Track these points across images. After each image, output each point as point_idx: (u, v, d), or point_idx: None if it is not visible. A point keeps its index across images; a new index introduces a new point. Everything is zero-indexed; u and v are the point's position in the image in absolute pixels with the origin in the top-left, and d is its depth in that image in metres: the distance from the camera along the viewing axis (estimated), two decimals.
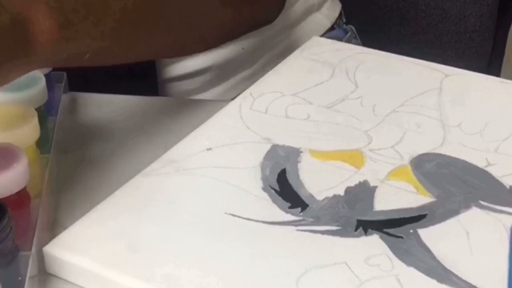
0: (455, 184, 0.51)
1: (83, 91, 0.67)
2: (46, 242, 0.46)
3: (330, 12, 0.81)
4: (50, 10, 0.46)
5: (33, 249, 0.45)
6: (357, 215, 0.48)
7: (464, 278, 0.43)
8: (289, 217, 0.48)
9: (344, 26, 0.83)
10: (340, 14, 0.83)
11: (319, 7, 0.80)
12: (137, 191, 0.50)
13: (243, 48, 0.55)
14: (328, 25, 0.80)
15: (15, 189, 0.46)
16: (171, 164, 0.52)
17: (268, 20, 0.68)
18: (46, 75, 0.58)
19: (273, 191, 0.50)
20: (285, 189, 0.50)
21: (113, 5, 0.50)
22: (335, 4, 0.83)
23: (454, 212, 0.48)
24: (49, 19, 0.46)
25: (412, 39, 0.92)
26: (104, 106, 0.64)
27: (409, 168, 0.52)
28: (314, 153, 0.54)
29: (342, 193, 0.50)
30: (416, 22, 0.91)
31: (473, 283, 0.43)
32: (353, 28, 0.83)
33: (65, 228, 0.47)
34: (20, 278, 0.43)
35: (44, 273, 0.46)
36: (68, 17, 0.47)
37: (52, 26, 0.46)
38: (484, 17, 0.89)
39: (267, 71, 0.64)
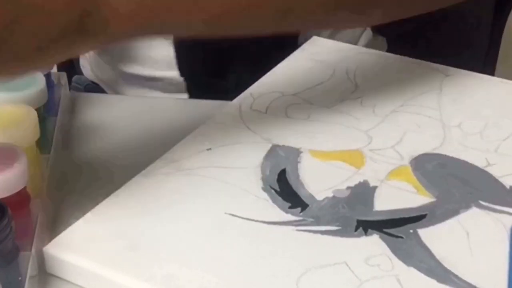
0: (455, 184, 0.51)
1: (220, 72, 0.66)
2: (46, 242, 0.46)
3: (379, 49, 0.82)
4: None
5: (33, 249, 0.45)
6: (357, 215, 0.48)
7: (464, 278, 0.43)
8: (289, 217, 0.48)
9: None
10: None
11: (373, 43, 0.80)
12: (137, 191, 0.50)
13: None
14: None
15: (15, 189, 0.46)
16: (171, 164, 0.52)
17: None
18: (46, 75, 0.58)
19: (273, 191, 0.50)
20: (285, 189, 0.50)
21: None
22: (383, 43, 0.83)
23: (454, 212, 0.48)
24: None
25: (410, 37, 0.92)
26: (104, 106, 0.64)
27: (409, 168, 0.52)
28: (314, 153, 0.54)
29: (342, 193, 0.50)
30: (413, 21, 0.91)
31: (473, 283, 0.43)
32: None
33: (65, 228, 0.47)
34: (20, 278, 0.43)
35: (44, 273, 0.46)
36: None
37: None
38: (481, 16, 0.89)
39: None
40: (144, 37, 0.47)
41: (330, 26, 0.61)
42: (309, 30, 0.68)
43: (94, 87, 0.81)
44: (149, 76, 0.75)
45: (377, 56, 0.66)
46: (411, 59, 0.66)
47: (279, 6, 0.48)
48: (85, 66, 0.83)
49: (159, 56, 0.73)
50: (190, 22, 0.46)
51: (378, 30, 0.84)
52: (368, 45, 0.79)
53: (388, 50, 0.67)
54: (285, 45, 0.68)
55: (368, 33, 0.79)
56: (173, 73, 0.74)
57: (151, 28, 0.45)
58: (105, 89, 0.81)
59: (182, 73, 0.73)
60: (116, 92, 0.79)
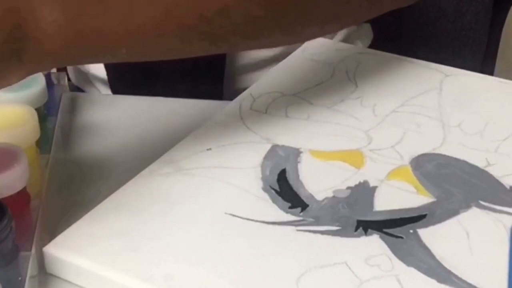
0: (455, 184, 0.51)
1: (146, 87, 0.66)
2: (46, 242, 0.46)
3: (364, 39, 0.82)
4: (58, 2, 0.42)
5: (33, 249, 0.45)
6: (357, 215, 0.48)
7: (464, 278, 0.43)
8: (289, 217, 0.48)
9: None
10: (372, 42, 0.83)
11: (356, 34, 0.80)
12: (137, 191, 0.50)
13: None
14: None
15: (15, 189, 0.46)
16: (171, 164, 0.52)
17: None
18: (46, 75, 0.58)
19: (273, 191, 0.50)
20: (285, 189, 0.50)
21: None
22: (369, 33, 0.83)
23: (454, 212, 0.48)
24: (57, 11, 0.42)
25: (409, 36, 0.92)
26: (104, 106, 0.64)
27: (409, 168, 0.52)
28: (314, 153, 0.54)
29: (342, 193, 0.50)
30: (412, 20, 0.91)
31: (473, 283, 0.43)
32: None
33: (65, 228, 0.47)
34: (20, 278, 0.43)
35: (44, 273, 0.46)
36: (82, 5, 0.43)
37: (62, 15, 0.42)
38: (479, 15, 0.89)
39: None
40: (79, 62, 0.47)
41: (259, 46, 0.59)
42: (235, 51, 0.67)
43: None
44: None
45: (377, 56, 0.66)
46: (411, 59, 0.65)
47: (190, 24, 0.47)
48: (70, 71, 0.83)
49: None
50: (114, 44, 0.45)
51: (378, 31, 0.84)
52: (351, 35, 0.79)
53: (388, 51, 0.67)
54: (211, 66, 0.69)
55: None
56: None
57: (81, 53, 0.45)
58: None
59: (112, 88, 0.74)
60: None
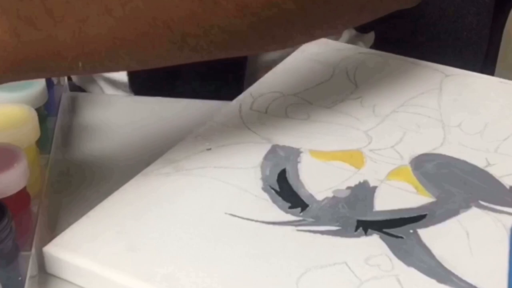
0: (455, 184, 0.51)
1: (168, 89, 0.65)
2: (46, 242, 0.46)
3: (366, 40, 0.82)
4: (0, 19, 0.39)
5: (33, 249, 0.45)
6: (357, 215, 0.48)
7: (464, 278, 0.43)
8: (289, 217, 0.48)
9: None
10: (372, 45, 0.83)
11: (360, 36, 0.80)
12: (137, 191, 0.50)
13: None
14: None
15: (15, 189, 0.46)
16: (171, 164, 0.52)
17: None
18: None
19: (273, 191, 0.50)
20: (285, 189, 0.50)
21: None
22: (371, 34, 0.83)
23: (454, 212, 0.48)
24: (4, 32, 0.40)
25: (410, 37, 0.92)
26: (104, 106, 0.64)
27: (409, 168, 0.52)
28: (314, 153, 0.54)
29: (342, 193, 0.50)
30: (413, 20, 0.91)
31: (473, 283, 0.43)
32: None
33: (65, 228, 0.47)
34: (20, 278, 0.43)
35: (44, 273, 0.46)
36: (30, 20, 0.40)
37: (7, 36, 0.40)
38: (481, 15, 0.89)
39: None
40: (32, 78, 0.44)
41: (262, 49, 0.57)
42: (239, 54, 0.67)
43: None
44: (117, 80, 0.75)
45: (377, 56, 0.66)
46: (411, 59, 0.65)
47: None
48: None
49: None
50: (68, 59, 0.43)
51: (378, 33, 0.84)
52: (354, 38, 0.79)
53: (387, 51, 0.67)
54: (232, 67, 0.69)
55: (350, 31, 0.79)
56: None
57: (31, 70, 0.43)
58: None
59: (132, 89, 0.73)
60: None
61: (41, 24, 0.41)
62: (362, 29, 0.80)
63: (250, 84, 0.70)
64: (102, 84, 0.77)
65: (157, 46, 0.44)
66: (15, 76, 0.43)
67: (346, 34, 0.78)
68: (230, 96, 0.62)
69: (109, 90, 0.76)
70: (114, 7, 0.42)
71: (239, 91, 0.64)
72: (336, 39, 0.76)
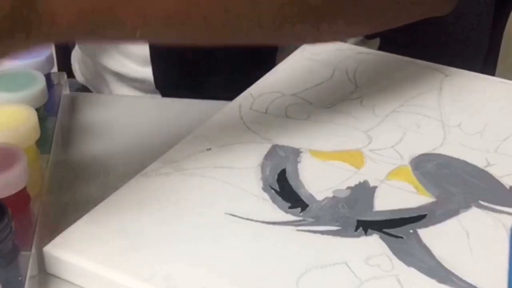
0: (455, 184, 0.51)
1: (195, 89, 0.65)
2: (46, 242, 0.46)
3: (372, 44, 0.82)
4: None
5: (33, 249, 0.45)
6: (357, 215, 0.48)
7: (464, 278, 0.43)
8: (289, 217, 0.48)
9: None
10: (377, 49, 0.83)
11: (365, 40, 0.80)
12: (137, 191, 0.50)
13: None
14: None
15: (15, 189, 0.46)
16: (171, 164, 0.52)
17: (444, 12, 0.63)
18: (46, 75, 0.58)
19: (273, 191, 0.50)
20: (285, 189, 0.50)
21: None
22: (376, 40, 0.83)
23: (454, 212, 0.48)
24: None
25: (410, 37, 0.92)
26: (104, 106, 0.64)
27: (409, 168, 0.52)
28: (314, 153, 0.54)
29: (342, 193, 0.50)
30: (413, 21, 0.91)
31: (473, 283, 0.43)
32: None
33: (65, 228, 0.47)
34: (20, 278, 0.43)
35: (44, 273, 0.46)
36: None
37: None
38: (481, 16, 0.89)
39: None
40: (90, 40, 0.46)
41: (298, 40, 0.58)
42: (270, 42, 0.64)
43: (83, 91, 0.82)
44: (125, 75, 0.75)
45: (377, 56, 0.66)
46: (411, 59, 0.66)
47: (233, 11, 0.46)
48: (76, 68, 0.83)
49: (137, 73, 0.73)
50: (133, 23, 0.44)
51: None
52: (360, 42, 0.79)
53: (387, 51, 0.67)
54: (262, 61, 0.68)
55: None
56: (148, 72, 0.73)
57: (93, 30, 0.44)
58: (93, 91, 0.81)
59: (156, 86, 0.73)
60: (101, 93, 0.79)
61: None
62: (369, 35, 0.80)
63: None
64: (109, 78, 0.77)
65: (209, 19, 0.46)
66: (80, 32, 0.44)
67: (351, 39, 0.78)
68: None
69: (115, 85, 0.76)
70: None
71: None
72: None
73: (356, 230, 0.47)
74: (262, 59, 0.67)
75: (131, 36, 0.45)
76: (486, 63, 0.92)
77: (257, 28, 0.48)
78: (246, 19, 0.47)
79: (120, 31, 0.45)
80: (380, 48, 0.68)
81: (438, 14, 0.60)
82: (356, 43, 0.78)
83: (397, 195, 0.50)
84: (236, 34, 0.48)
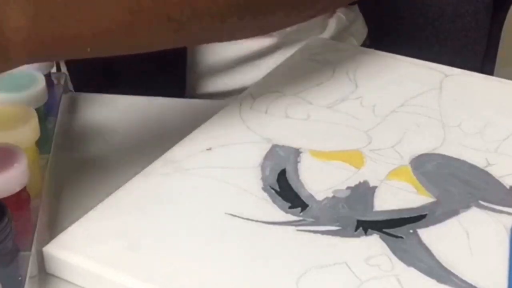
0: (455, 184, 0.51)
1: (108, 86, 0.66)
2: (46, 242, 0.46)
3: (358, 34, 0.82)
4: (24, 5, 0.42)
5: (33, 249, 0.45)
6: (357, 215, 0.48)
7: (464, 278, 0.43)
8: (289, 217, 0.48)
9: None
10: (366, 37, 0.83)
11: (348, 28, 0.80)
12: (137, 191, 0.50)
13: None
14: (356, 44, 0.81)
15: (15, 189, 0.46)
16: (171, 164, 0.52)
17: None
18: (46, 75, 0.58)
19: (273, 191, 0.50)
20: (285, 189, 0.50)
21: None
22: (363, 27, 0.83)
23: (454, 212, 0.48)
24: (23, 15, 0.42)
25: (409, 36, 0.92)
26: (104, 106, 0.64)
27: (409, 168, 0.52)
28: (314, 153, 0.54)
29: (342, 193, 0.50)
30: (412, 20, 0.91)
31: (473, 283, 0.43)
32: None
33: (65, 228, 0.47)
34: (20, 278, 0.43)
35: (44, 273, 0.46)
36: (48, 8, 0.43)
37: (29, 22, 0.42)
38: (479, 15, 0.89)
39: None
40: (42, 61, 0.48)
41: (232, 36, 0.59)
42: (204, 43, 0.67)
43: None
44: None
45: (377, 56, 0.66)
46: (411, 59, 0.66)
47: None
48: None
49: None
50: (80, 46, 0.46)
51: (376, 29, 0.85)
52: (344, 31, 0.79)
53: (387, 50, 0.67)
54: (172, 64, 0.69)
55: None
56: None
57: (45, 56, 0.47)
58: None
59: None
60: None
61: (57, 16, 0.44)
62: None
63: (193, 80, 0.71)
64: None
65: (153, 31, 0.48)
66: (28, 61, 0.45)
67: (332, 26, 0.78)
68: (173, 93, 0.64)
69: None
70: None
71: (182, 88, 0.65)
72: (321, 32, 0.76)
73: (356, 230, 0.47)
74: (172, 61, 0.68)
75: (83, 53, 0.47)
76: (485, 62, 0.93)
77: (199, 30, 0.50)
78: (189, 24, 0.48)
79: (74, 51, 0.47)
80: (378, 47, 0.68)
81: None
82: (340, 31, 0.78)
83: (397, 195, 0.50)
84: (180, 40, 0.51)
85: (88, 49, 0.46)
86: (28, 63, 0.46)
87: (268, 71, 0.69)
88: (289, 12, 0.54)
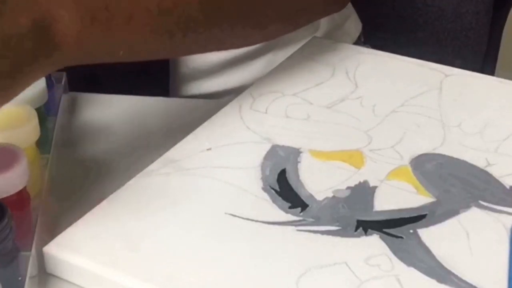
0: (455, 184, 0.51)
1: (92, 89, 0.66)
2: (46, 242, 0.46)
3: (351, 30, 0.82)
4: (77, 8, 0.44)
5: (33, 249, 0.45)
6: (357, 215, 0.48)
7: (464, 278, 0.43)
8: (289, 217, 0.48)
9: (363, 45, 0.83)
10: (360, 34, 0.83)
11: (341, 25, 0.80)
12: (137, 191, 0.50)
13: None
14: (349, 42, 0.81)
15: (15, 189, 0.46)
16: (171, 164, 0.52)
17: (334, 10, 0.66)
18: (46, 75, 0.58)
19: (273, 191, 0.50)
20: (285, 189, 0.50)
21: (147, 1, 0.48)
22: (357, 24, 0.83)
23: (454, 212, 0.48)
24: (76, 19, 0.44)
25: (409, 36, 0.92)
26: (104, 106, 0.64)
27: (409, 168, 0.52)
28: (314, 153, 0.54)
29: (342, 193, 0.50)
30: (413, 20, 0.91)
31: (473, 283, 0.43)
32: (370, 47, 0.84)
33: (65, 228, 0.47)
34: (20, 278, 0.43)
35: (44, 273, 0.46)
36: (96, 15, 0.45)
37: (79, 26, 0.44)
38: (479, 15, 0.89)
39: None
40: (94, 61, 0.49)
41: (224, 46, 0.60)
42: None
43: None
44: None
45: (377, 56, 0.66)
46: (411, 59, 0.66)
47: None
48: None
49: None
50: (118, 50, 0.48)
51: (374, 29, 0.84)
52: (337, 29, 0.79)
53: (387, 50, 0.67)
54: (154, 67, 0.70)
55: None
56: None
57: (95, 54, 0.48)
58: None
59: None
60: None
61: (102, 17, 0.45)
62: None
63: (175, 83, 0.71)
64: None
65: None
66: (72, 62, 0.46)
67: (325, 25, 0.78)
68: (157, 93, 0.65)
69: None
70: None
71: (165, 90, 0.66)
72: (314, 31, 0.76)
73: (356, 230, 0.47)
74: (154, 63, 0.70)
75: (116, 56, 0.48)
76: (486, 62, 0.93)
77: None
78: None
79: (110, 56, 0.48)
80: (378, 47, 0.68)
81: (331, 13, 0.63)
82: (332, 28, 0.78)
83: (397, 195, 0.50)
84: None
85: (121, 53, 0.48)
86: (69, 64, 0.47)
87: (262, 72, 0.69)
88: (279, 24, 0.56)
